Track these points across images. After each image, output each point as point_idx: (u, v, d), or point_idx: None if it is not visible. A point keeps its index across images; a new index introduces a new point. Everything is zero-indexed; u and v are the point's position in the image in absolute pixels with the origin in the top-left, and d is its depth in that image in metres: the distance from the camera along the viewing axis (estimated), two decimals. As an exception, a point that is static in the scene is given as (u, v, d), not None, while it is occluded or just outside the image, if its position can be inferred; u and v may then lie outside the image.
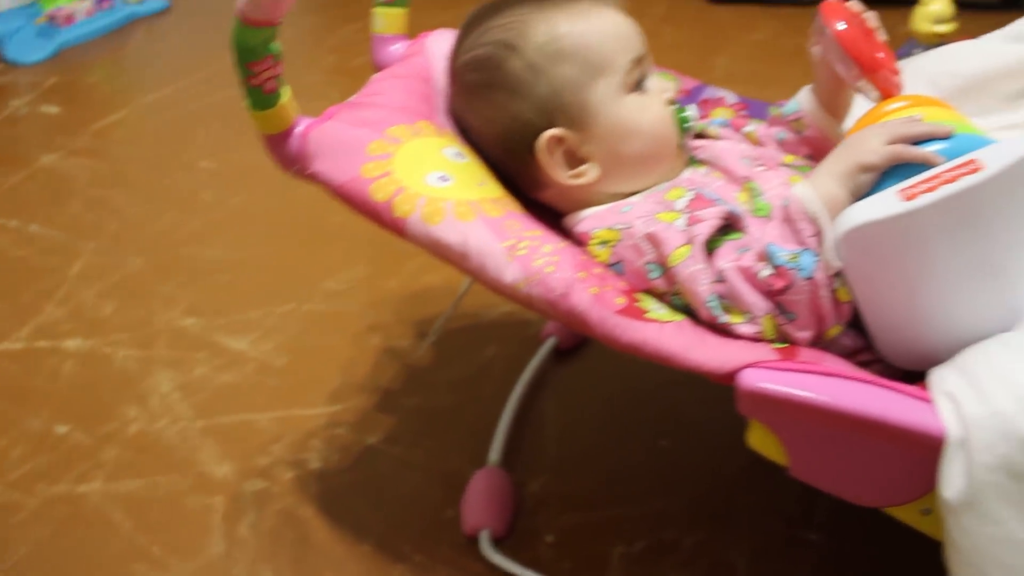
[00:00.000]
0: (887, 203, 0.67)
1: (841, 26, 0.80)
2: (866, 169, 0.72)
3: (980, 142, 0.70)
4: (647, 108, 0.84)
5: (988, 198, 0.66)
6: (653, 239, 0.76)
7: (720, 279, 0.72)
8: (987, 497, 0.62)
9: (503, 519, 0.96)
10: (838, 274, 0.70)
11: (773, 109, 1.06)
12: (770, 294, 0.71)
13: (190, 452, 1.10)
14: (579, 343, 1.21)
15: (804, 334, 0.72)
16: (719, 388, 0.69)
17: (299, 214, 1.56)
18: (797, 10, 2.40)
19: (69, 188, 1.71)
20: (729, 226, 0.77)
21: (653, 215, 0.78)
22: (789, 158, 0.91)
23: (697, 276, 0.72)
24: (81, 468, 1.08)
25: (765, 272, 0.71)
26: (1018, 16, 0.98)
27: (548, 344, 1.20)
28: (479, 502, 0.97)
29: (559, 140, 0.83)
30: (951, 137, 0.71)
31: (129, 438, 1.12)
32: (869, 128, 0.75)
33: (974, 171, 0.65)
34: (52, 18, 2.40)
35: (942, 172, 0.66)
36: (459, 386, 1.18)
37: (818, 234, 0.70)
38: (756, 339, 0.72)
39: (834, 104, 0.91)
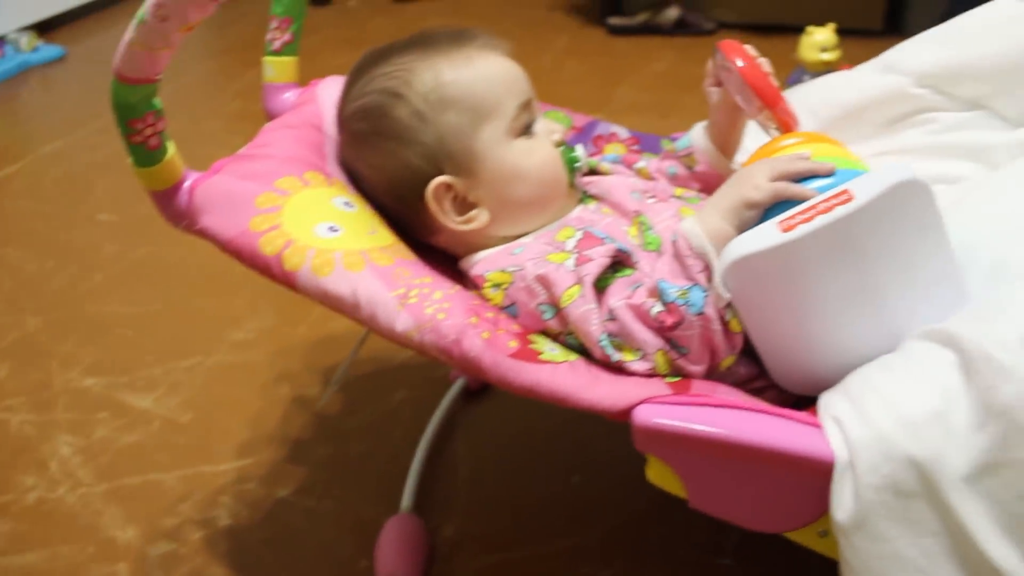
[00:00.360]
0: (767, 235, 0.69)
1: (742, 63, 0.83)
2: (750, 205, 0.74)
3: (856, 175, 0.72)
4: (534, 152, 0.85)
5: (862, 226, 0.68)
6: (544, 280, 0.76)
7: (611, 317, 0.73)
8: (875, 517, 0.63)
9: (417, 566, 0.95)
10: (729, 306, 0.72)
11: (666, 143, 1.08)
12: (661, 330, 0.72)
13: (93, 518, 1.06)
14: (488, 383, 1.21)
15: (697, 367, 0.73)
16: (624, 424, 0.70)
17: (204, 264, 1.54)
18: (694, 40, 2.47)
19: (-40, 247, 1.65)
20: (620, 263, 0.78)
21: (544, 256, 0.79)
22: (679, 191, 0.93)
23: (588, 316, 0.73)
24: (-25, 543, 1.04)
25: (656, 309, 0.72)
26: (899, 40, 1.02)
27: (457, 385, 1.20)
28: (392, 550, 0.96)
29: (448, 187, 0.83)
30: (833, 173, 0.74)
31: (27, 508, 1.08)
32: (755, 165, 0.77)
33: (846, 201, 0.68)
34: (-60, 71, 2.33)
35: (818, 203, 0.69)
36: (369, 432, 1.17)
37: (707, 269, 0.72)
38: (650, 375, 0.73)
39: (725, 142, 0.94)
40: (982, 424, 0.60)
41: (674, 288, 0.71)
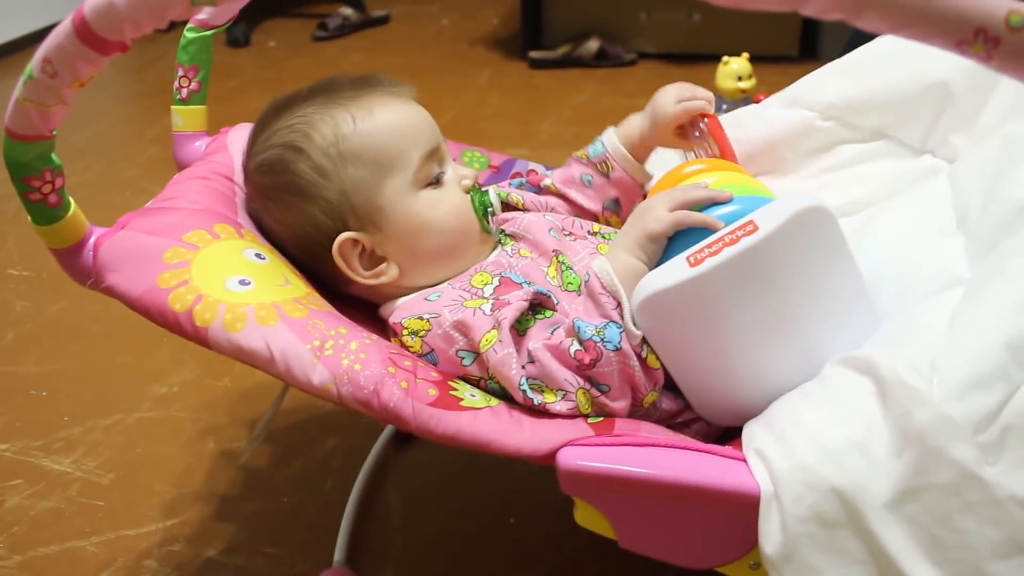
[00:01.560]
0: (676, 270, 0.70)
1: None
2: (653, 238, 0.75)
3: (760, 202, 0.73)
4: (441, 202, 0.84)
5: (769, 255, 0.69)
6: (461, 326, 0.75)
7: (531, 360, 0.73)
8: (803, 548, 0.63)
9: (351, 621, 0.93)
10: (645, 342, 0.72)
11: (579, 152, 1.08)
12: (580, 368, 0.71)
13: (7, 592, 1.02)
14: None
15: (619, 404, 0.73)
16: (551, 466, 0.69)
17: (121, 319, 1.48)
18: (613, 71, 2.50)
19: None
20: (539, 305, 0.78)
21: (461, 302, 0.78)
22: (596, 226, 0.93)
23: (507, 360, 0.72)
24: None
25: (574, 347, 0.71)
26: (815, 66, 1.04)
27: (388, 430, 1.18)
28: (325, 606, 0.93)
29: (354, 242, 0.82)
30: (731, 200, 0.75)
31: (-65, 586, 1.03)
32: (655, 197, 0.78)
33: (752, 232, 0.68)
34: None
35: (724, 235, 0.69)
36: (299, 484, 1.14)
37: (619, 306, 0.72)
38: (572, 415, 0.72)
39: (641, 150, 0.95)
40: (900, 450, 0.60)
41: (590, 326, 0.71)
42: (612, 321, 0.71)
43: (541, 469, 1.10)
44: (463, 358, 0.76)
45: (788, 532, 0.63)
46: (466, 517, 1.08)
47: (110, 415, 1.28)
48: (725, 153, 0.91)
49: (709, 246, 0.69)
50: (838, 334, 0.73)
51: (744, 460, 0.68)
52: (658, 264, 0.73)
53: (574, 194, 0.97)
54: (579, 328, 0.71)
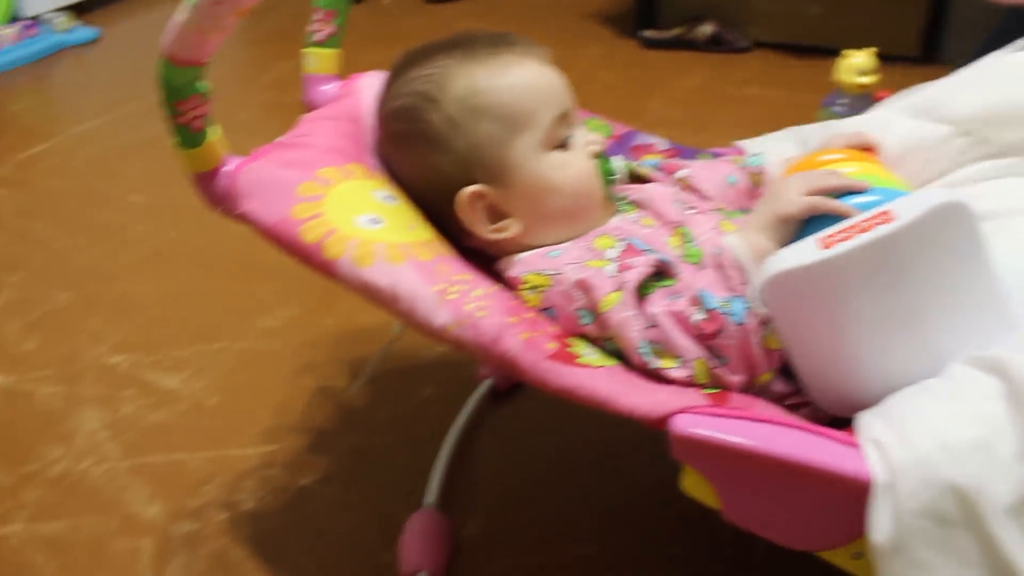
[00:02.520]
0: (806, 252, 0.70)
1: None
2: (785, 219, 0.75)
3: (897, 195, 0.73)
4: (568, 165, 0.84)
5: (902, 247, 0.69)
6: (583, 285, 0.77)
7: (652, 324, 0.73)
8: (915, 543, 0.63)
9: (440, 562, 0.96)
10: (767, 323, 0.72)
11: (704, 156, 1.08)
12: (701, 338, 0.72)
13: (117, 493, 1.07)
14: (516, 385, 1.22)
15: (735, 378, 0.73)
16: (656, 432, 0.70)
17: (233, 250, 1.55)
18: (726, 57, 2.47)
19: (-8, 219, 1.67)
20: (661, 273, 0.79)
21: (583, 261, 0.79)
22: (720, 205, 0.93)
23: (628, 322, 0.73)
24: (1, 509, 1.05)
25: (697, 316, 0.72)
26: (936, 68, 1.01)
27: (485, 385, 1.20)
28: (416, 545, 0.96)
29: (479, 196, 0.83)
30: (867, 191, 0.74)
31: (52, 478, 1.09)
32: (790, 179, 0.78)
33: (887, 221, 0.68)
34: (-22, 44, 2.35)
35: (858, 222, 0.69)
36: (395, 426, 1.17)
37: (747, 282, 0.72)
38: (688, 383, 0.73)
39: None
40: None
41: (716, 298, 0.72)
42: (739, 296, 0.72)
43: (633, 441, 1.13)
44: (581, 316, 0.77)
45: (901, 525, 0.63)
46: (556, 477, 1.10)
47: (217, 341, 1.33)
48: None
49: (842, 231, 0.69)
50: (965, 334, 0.72)
51: (858, 447, 0.68)
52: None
53: (709, 189, 0.95)
54: (704, 298, 0.72)
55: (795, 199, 0.75)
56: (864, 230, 0.69)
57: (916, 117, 0.98)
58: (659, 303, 0.75)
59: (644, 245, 0.81)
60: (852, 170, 0.81)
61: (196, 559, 0.99)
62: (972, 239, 0.71)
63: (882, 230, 0.68)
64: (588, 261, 0.79)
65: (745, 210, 0.94)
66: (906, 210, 0.69)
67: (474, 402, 1.18)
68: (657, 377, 0.73)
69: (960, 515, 0.61)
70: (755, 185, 0.96)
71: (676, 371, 0.73)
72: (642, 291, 0.76)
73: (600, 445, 1.13)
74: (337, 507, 1.06)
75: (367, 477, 1.10)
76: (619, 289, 0.75)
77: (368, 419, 1.19)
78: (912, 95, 1.00)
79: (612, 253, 0.80)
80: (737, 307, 0.71)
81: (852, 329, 0.73)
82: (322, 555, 1.00)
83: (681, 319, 0.73)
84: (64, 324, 1.37)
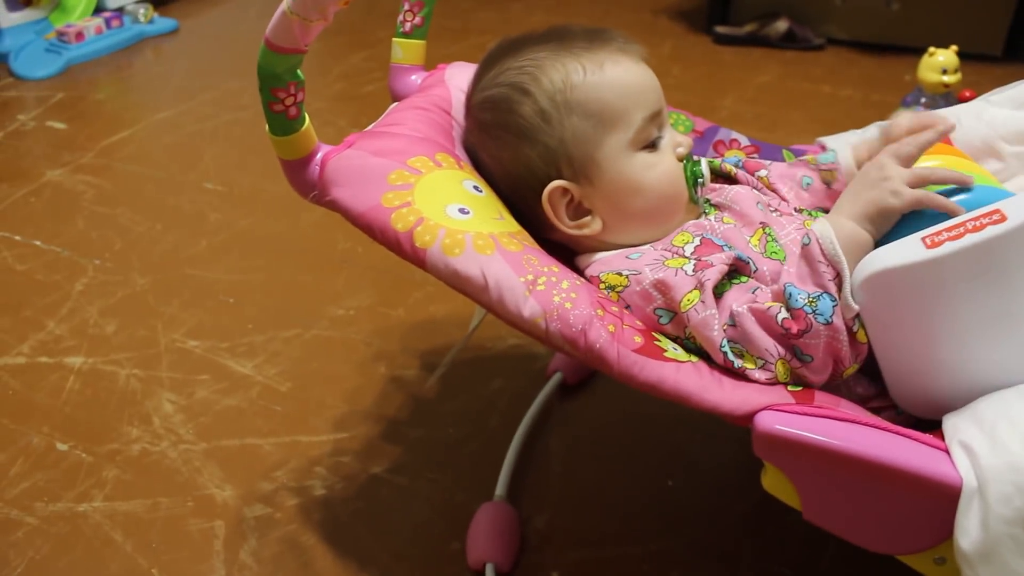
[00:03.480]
0: (911, 249, 0.67)
1: None
2: (887, 212, 0.72)
3: (1000, 194, 0.70)
4: (655, 167, 0.83)
5: (1012, 248, 0.66)
6: (661, 285, 0.76)
7: (732, 323, 0.72)
8: (1004, 549, 0.61)
9: (508, 554, 0.96)
10: (858, 316, 0.70)
11: (787, 154, 1.07)
12: (785, 337, 0.71)
13: (192, 475, 1.09)
14: (585, 379, 1.22)
15: (819, 376, 0.72)
16: (726, 430, 0.70)
17: (305, 239, 1.57)
18: (800, 55, 2.43)
19: (74, 204, 1.71)
20: (736, 271, 0.77)
21: (662, 261, 0.78)
22: (802, 208, 0.91)
23: (709, 321, 0.72)
24: (82, 486, 1.08)
25: (782, 315, 0.71)
26: (1019, 66, 0.98)
27: (554, 379, 1.20)
28: (484, 536, 0.96)
29: (564, 191, 0.83)
30: (972, 188, 0.72)
31: (131, 458, 1.12)
32: (888, 166, 0.75)
33: (999, 221, 0.66)
34: (61, 34, 2.42)
35: (967, 220, 0.67)
36: (465, 418, 1.17)
37: (837, 277, 0.70)
38: (770, 383, 0.72)
39: None
40: None
41: (803, 294, 0.70)
42: (827, 292, 0.70)
43: (703, 438, 1.12)
44: (660, 316, 0.77)
45: (989, 531, 0.61)
46: (625, 473, 1.09)
47: (290, 328, 1.35)
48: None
49: (949, 229, 0.67)
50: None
51: (945, 451, 0.66)
52: (885, 240, 0.72)
53: (786, 191, 0.94)
54: (791, 295, 0.70)
55: (902, 190, 0.72)
56: (975, 229, 0.66)
57: (1009, 107, 0.96)
58: (739, 299, 0.74)
59: (720, 240, 0.80)
60: (935, 163, 0.79)
61: (268, 542, 1.01)
62: None
63: (994, 230, 0.66)
64: (667, 260, 0.79)
65: (823, 209, 0.92)
66: (1018, 210, 0.66)
67: (543, 396, 1.18)
68: (741, 376, 0.72)
69: None
70: (827, 184, 0.93)
71: (758, 372, 0.72)
72: (719, 289, 0.75)
73: (669, 443, 1.12)
74: (407, 496, 1.06)
75: (437, 467, 1.10)
76: (697, 288, 0.74)
77: (438, 410, 1.19)
78: (1007, 89, 0.97)
79: (689, 249, 0.79)
80: (824, 306, 0.69)
81: (949, 330, 0.70)
82: (391, 542, 1.00)
83: (764, 318, 0.72)
84: (142, 308, 1.40)
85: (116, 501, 1.06)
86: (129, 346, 1.32)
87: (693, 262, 0.77)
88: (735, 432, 0.96)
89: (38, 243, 1.58)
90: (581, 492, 1.07)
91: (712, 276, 0.74)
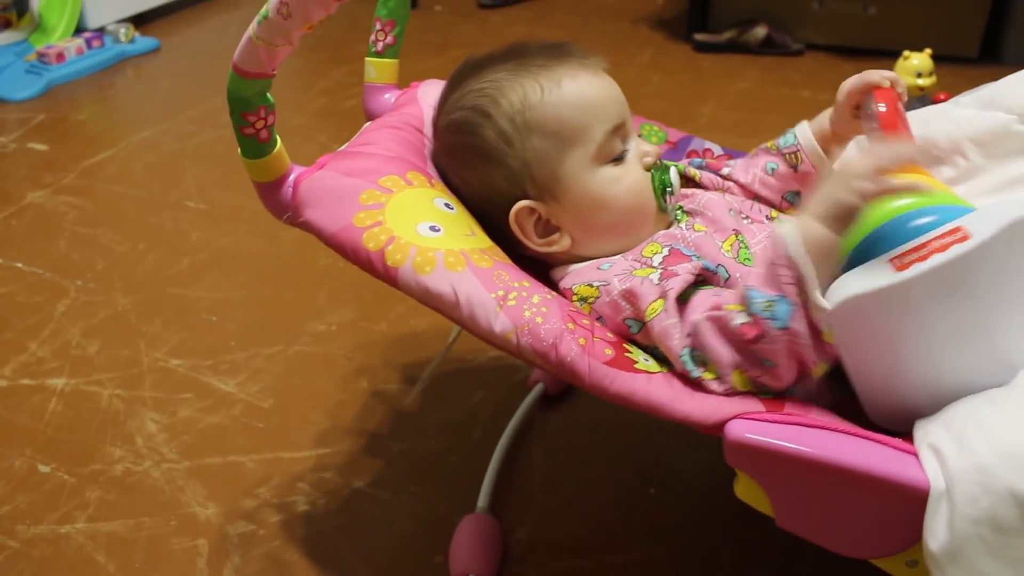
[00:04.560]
0: (879, 273, 0.67)
1: (882, 107, 0.84)
2: (847, 209, 0.70)
3: (958, 211, 0.71)
4: (620, 180, 0.84)
5: (977, 264, 0.66)
6: (629, 295, 0.76)
7: (692, 331, 0.72)
8: (971, 550, 0.62)
9: (490, 565, 0.96)
10: (819, 324, 0.69)
11: (768, 143, 1.07)
12: (742, 343, 0.70)
13: (175, 493, 1.10)
14: (566, 389, 1.22)
15: (784, 381, 0.71)
16: (706, 439, 0.70)
17: (286, 256, 1.58)
18: (779, 60, 2.45)
19: (56, 225, 1.71)
20: (704, 280, 0.78)
21: (630, 272, 0.79)
22: (774, 212, 0.92)
23: (669, 331, 0.73)
24: (64, 508, 1.08)
25: (739, 320, 0.70)
26: (995, 69, 0.99)
27: (536, 390, 1.21)
28: (467, 548, 0.97)
29: (531, 210, 0.84)
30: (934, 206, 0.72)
31: (114, 478, 1.12)
32: (851, 165, 0.74)
33: (963, 239, 0.66)
34: (42, 56, 2.42)
35: (931, 240, 0.67)
36: (446, 431, 1.18)
37: (798, 281, 0.68)
38: (728, 394, 0.71)
39: (832, 143, 0.93)
40: None
41: (762, 298, 0.69)
42: (784, 296, 0.68)
43: (684, 447, 1.12)
44: (630, 326, 0.77)
45: (956, 532, 0.62)
46: (607, 483, 1.10)
47: (272, 345, 1.35)
48: (899, 127, 0.84)
49: (916, 249, 0.67)
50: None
51: (915, 454, 0.67)
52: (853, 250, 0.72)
53: (756, 186, 0.95)
54: (750, 299, 0.69)
55: (864, 187, 0.69)
56: (939, 249, 0.66)
57: (979, 107, 0.97)
58: (701, 307, 0.74)
59: (689, 251, 0.81)
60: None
61: (251, 559, 1.01)
62: None
63: (959, 248, 0.66)
64: (636, 271, 0.79)
65: (795, 192, 0.93)
66: (980, 226, 0.66)
67: (525, 407, 1.19)
68: (699, 386, 0.72)
69: (1020, 523, 0.60)
70: (792, 166, 0.94)
71: (715, 383, 0.71)
72: (684, 296, 0.75)
73: (650, 452, 1.13)
74: (389, 509, 1.07)
75: (419, 481, 1.11)
76: (662, 297, 0.74)
77: (420, 423, 1.20)
78: (974, 92, 0.98)
79: (657, 259, 0.80)
80: (781, 310, 0.68)
81: (921, 347, 0.70)
82: (374, 557, 1.01)
83: (721, 324, 0.71)
84: (125, 328, 1.41)
85: (99, 522, 1.06)
86: (112, 366, 1.32)
87: (659, 271, 0.77)
88: (715, 441, 0.97)
89: (19, 265, 1.58)
90: (563, 502, 1.07)
91: (676, 285, 0.75)
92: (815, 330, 0.69)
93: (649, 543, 1.01)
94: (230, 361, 1.32)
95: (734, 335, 0.70)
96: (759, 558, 0.98)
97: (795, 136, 0.94)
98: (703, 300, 0.75)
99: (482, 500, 1.04)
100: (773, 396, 0.73)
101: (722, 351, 0.71)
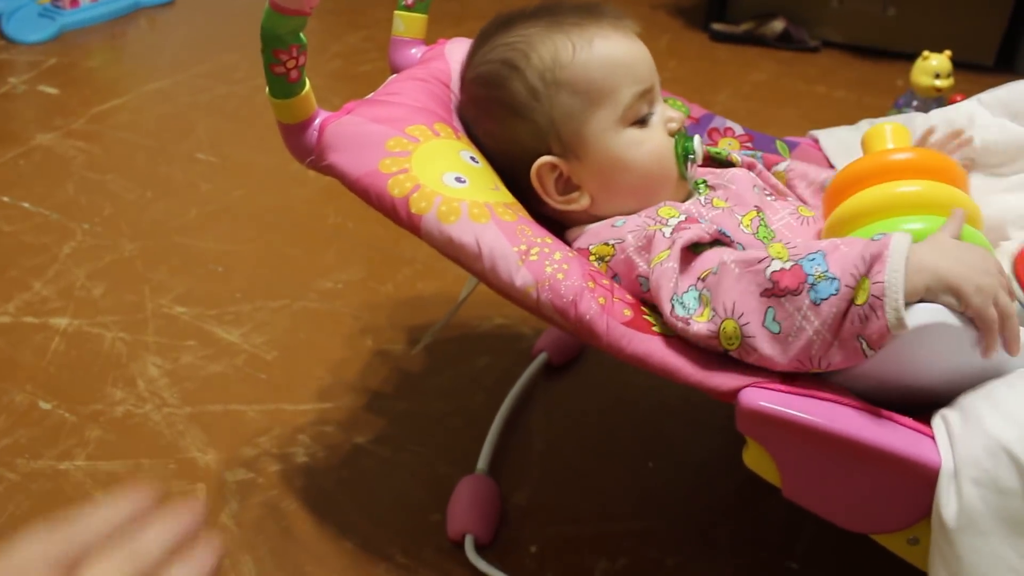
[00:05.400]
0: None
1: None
2: (959, 296, 0.64)
3: None
4: (643, 143, 0.84)
5: None
6: (642, 250, 0.76)
7: (715, 271, 0.69)
8: (977, 514, 0.62)
9: (488, 526, 0.97)
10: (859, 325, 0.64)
11: (780, 145, 1.08)
12: (768, 292, 0.66)
13: (175, 438, 1.09)
14: (570, 360, 1.22)
15: (773, 357, 0.67)
16: (707, 417, 0.70)
17: (296, 213, 1.57)
18: (796, 55, 2.44)
19: (64, 168, 1.70)
20: (718, 242, 0.76)
21: (644, 227, 0.78)
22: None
23: (667, 273, 0.71)
24: (64, 445, 1.08)
25: (775, 266, 0.66)
26: (1010, 77, 0.99)
27: (539, 359, 1.21)
28: (465, 507, 0.97)
29: (552, 167, 0.84)
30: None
31: (114, 419, 1.12)
32: (991, 263, 0.67)
33: None
34: (56, 0, 2.40)
35: None
36: (449, 393, 1.18)
37: (859, 276, 0.64)
38: (711, 337, 0.69)
39: None
40: None
41: (822, 266, 0.64)
42: (837, 279, 0.64)
43: (686, 422, 1.13)
44: (643, 284, 0.76)
45: (963, 498, 0.63)
46: (606, 454, 1.10)
47: (278, 299, 1.35)
48: None
49: None
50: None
51: (928, 435, 0.67)
52: None
53: (802, 189, 0.95)
54: (811, 258, 0.65)
55: (985, 301, 0.64)
56: None
57: (1004, 115, 0.96)
58: (725, 254, 0.71)
59: (706, 221, 0.80)
60: (919, 188, 0.79)
61: (248, 506, 1.01)
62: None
63: None
64: (649, 226, 0.78)
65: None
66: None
67: (528, 375, 1.18)
68: (683, 328, 0.70)
69: (1019, 485, 0.61)
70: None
71: (704, 324, 0.68)
72: (698, 248, 0.74)
73: (650, 427, 1.13)
74: (389, 466, 1.07)
75: (420, 440, 1.11)
76: (669, 248, 0.73)
77: (423, 385, 1.20)
78: (1000, 91, 0.98)
79: (673, 221, 0.78)
80: (827, 287, 0.64)
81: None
82: (372, 511, 1.01)
83: (752, 268, 0.67)
84: (130, 273, 1.40)
85: (98, 461, 1.06)
86: (116, 310, 1.31)
87: (672, 228, 0.76)
88: (716, 420, 0.97)
89: (26, 205, 1.57)
90: (562, 471, 1.08)
91: (686, 236, 0.73)
92: (846, 332, 0.64)
93: (646, 515, 1.01)
94: (235, 312, 1.32)
95: (764, 280, 0.66)
96: (755, 533, 0.99)
97: (784, 168, 0.95)
98: (725, 251, 0.72)
99: (482, 462, 1.04)
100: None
101: (736, 294, 0.67)
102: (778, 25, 2.48)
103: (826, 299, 0.64)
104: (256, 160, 1.72)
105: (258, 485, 1.03)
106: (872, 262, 0.63)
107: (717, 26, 2.52)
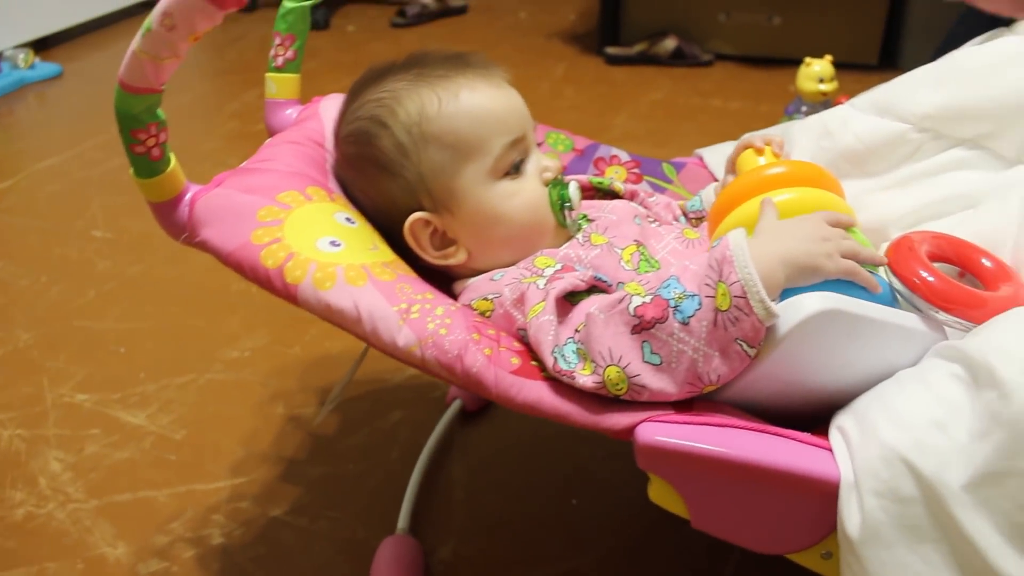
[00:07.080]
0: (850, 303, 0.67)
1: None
2: (814, 271, 0.68)
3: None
4: (517, 195, 0.82)
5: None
6: (518, 304, 0.75)
7: (585, 323, 0.70)
8: (880, 526, 0.62)
9: (412, 588, 0.94)
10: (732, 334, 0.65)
11: (667, 168, 1.08)
12: (637, 327, 0.66)
13: (82, 535, 1.05)
14: (485, 405, 1.21)
15: (662, 387, 0.67)
16: (626, 445, 0.69)
17: (198, 283, 1.53)
18: (690, 71, 2.49)
19: (-46, 260, 1.64)
20: (595, 288, 0.76)
21: (520, 280, 0.77)
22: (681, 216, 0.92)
23: (544, 327, 0.71)
24: (-38, 558, 1.02)
25: (636, 302, 0.67)
26: (894, 74, 1.01)
27: (454, 407, 1.19)
28: (387, 571, 0.94)
29: (426, 223, 0.82)
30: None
31: (14, 524, 1.06)
32: (826, 227, 0.71)
33: None
34: (-64, 85, 2.33)
35: None
36: (365, 453, 1.15)
37: (714, 283, 0.65)
38: (598, 388, 0.68)
39: None
40: (985, 433, 0.59)
41: (678, 288, 0.66)
42: (696, 295, 0.65)
43: (604, 455, 1.12)
44: (523, 335, 0.75)
45: (865, 510, 0.63)
46: (529, 496, 1.08)
47: (183, 374, 1.31)
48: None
49: None
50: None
51: (825, 448, 0.67)
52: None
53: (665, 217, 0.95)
54: (666, 285, 0.66)
55: (837, 259, 0.68)
56: None
57: (875, 114, 0.98)
58: (596, 303, 0.71)
59: (583, 267, 0.79)
60: (791, 197, 0.80)
61: (165, 598, 0.97)
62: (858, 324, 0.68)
63: None
64: (524, 278, 0.78)
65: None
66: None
67: (444, 424, 1.17)
68: (569, 382, 0.69)
69: (917, 493, 0.61)
70: (696, 225, 0.95)
71: (589, 377, 0.68)
72: (575, 298, 0.74)
73: (570, 462, 1.12)
74: (308, 537, 1.04)
75: (338, 505, 1.08)
76: (543, 300, 0.73)
77: (338, 446, 1.17)
78: (872, 92, 1.00)
79: (549, 271, 0.78)
80: (689, 305, 0.65)
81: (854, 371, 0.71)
82: (293, 587, 0.98)
83: (617, 310, 0.67)
84: (26, 364, 1.35)
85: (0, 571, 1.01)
86: (12, 405, 1.26)
87: (547, 279, 0.76)
88: (632, 447, 0.96)
89: (-86, 303, 1.51)
90: (486, 518, 1.06)
91: (559, 287, 0.73)
92: (723, 339, 0.65)
93: (574, 554, 1.00)
94: (139, 393, 1.28)
95: (630, 318, 0.67)
96: (683, 561, 0.98)
97: (700, 201, 0.95)
98: (599, 299, 0.72)
99: (402, 521, 1.02)
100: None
101: (609, 340, 0.67)
102: (670, 43, 2.53)
103: (692, 315, 0.65)
104: (154, 232, 1.63)
105: (173, 574, 0.99)
106: (720, 266, 0.65)
107: (611, 50, 2.56)
